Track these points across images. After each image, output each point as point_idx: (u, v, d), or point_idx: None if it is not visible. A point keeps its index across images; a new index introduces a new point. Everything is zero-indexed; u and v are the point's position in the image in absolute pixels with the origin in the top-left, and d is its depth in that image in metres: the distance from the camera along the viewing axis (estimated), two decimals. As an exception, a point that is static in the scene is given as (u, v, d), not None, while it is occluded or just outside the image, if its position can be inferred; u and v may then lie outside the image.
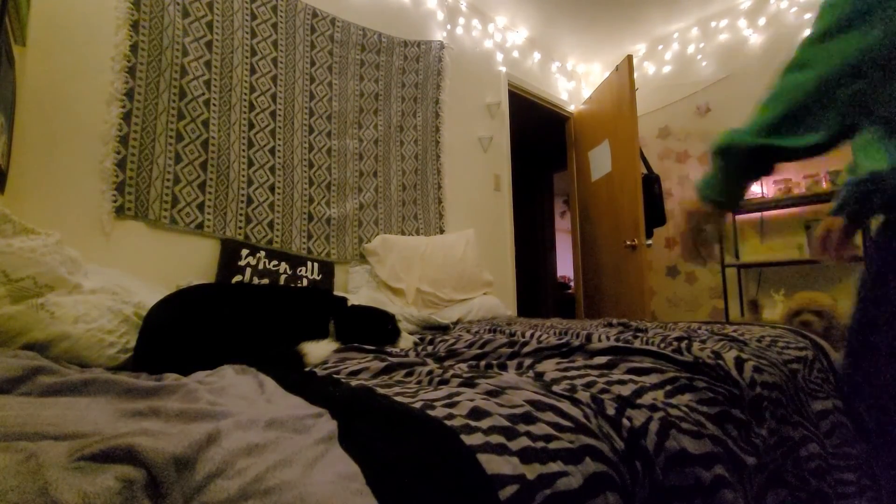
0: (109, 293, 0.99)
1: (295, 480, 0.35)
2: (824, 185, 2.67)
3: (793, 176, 2.89)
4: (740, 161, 0.74)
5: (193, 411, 0.48)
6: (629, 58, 3.01)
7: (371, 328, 1.20)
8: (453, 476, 0.39)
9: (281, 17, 2.19)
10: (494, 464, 0.41)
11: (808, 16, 2.91)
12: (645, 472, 0.51)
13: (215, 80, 1.92)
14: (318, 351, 0.96)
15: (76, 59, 1.61)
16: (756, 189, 2.99)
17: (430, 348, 1.12)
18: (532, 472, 0.42)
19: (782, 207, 2.94)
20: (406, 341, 1.21)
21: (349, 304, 1.28)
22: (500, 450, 0.43)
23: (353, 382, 0.68)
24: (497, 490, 0.39)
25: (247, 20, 2.06)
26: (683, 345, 0.91)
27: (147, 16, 1.75)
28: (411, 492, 0.36)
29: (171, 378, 0.65)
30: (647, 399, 0.62)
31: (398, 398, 0.55)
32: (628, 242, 2.97)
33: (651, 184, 3.20)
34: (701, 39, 3.45)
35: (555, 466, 0.44)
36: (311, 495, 0.33)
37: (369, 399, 0.55)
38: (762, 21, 3.12)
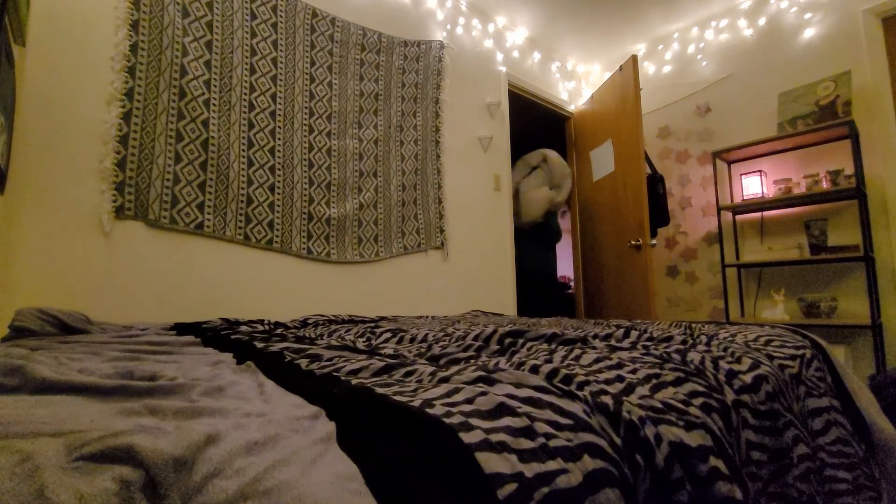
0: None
1: (293, 480, 0.35)
2: (825, 185, 2.66)
3: (793, 176, 2.89)
4: None
5: (191, 410, 0.48)
6: (634, 58, 3.01)
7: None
8: (451, 475, 0.39)
9: (281, 16, 2.19)
10: (493, 462, 0.41)
11: (807, 15, 2.91)
12: (646, 466, 0.51)
13: (215, 79, 1.92)
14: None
15: (76, 59, 1.61)
16: (756, 189, 2.99)
17: (423, 346, 1.11)
18: (530, 470, 0.42)
19: (782, 207, 2.94)
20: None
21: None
22: (499, 448, 0.43)
23: (353, 381, 0.68)
24: (495, 489, 0.39)
25: (247, 20, 2.06)
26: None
27: (147, 16, 1.75)
28: (409, 492, 0.36)
29: (167, 377, 0.65)
30: (639, 392, 0.62)
31: (397, 397, 0.55)
32: (632, 242, 2.97)
33: (655, 184, 3.20)
34: (701, 39, 3.45)
35: (553, 464, 0.44)
36: (309, 496, 0.33)
37: (368, 398, 0.55)
38: (762, 21, 3.12)
